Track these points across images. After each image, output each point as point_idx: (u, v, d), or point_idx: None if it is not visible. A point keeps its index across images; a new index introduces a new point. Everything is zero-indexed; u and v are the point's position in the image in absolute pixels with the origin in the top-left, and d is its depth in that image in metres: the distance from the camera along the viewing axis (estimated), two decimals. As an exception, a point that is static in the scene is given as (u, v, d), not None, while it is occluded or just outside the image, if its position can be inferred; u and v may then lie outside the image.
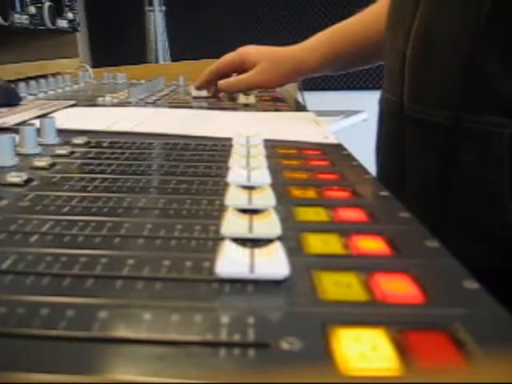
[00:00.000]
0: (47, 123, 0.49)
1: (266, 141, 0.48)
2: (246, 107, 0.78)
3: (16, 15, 0.95)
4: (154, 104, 0.80)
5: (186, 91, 0.99)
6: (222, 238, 0.25)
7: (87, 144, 0.48)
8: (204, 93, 0.87)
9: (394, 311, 0.19)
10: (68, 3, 1.23)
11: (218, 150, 0.47)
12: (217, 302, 0.20)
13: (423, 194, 0.52)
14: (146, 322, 0.18)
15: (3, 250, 0.24)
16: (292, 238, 0.26)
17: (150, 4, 1.91)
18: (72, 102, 0.76)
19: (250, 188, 0.33)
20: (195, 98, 0.87)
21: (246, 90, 0.83)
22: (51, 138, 0.48)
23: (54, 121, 0.49)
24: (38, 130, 0.48)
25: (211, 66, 0.85)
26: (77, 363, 0.16)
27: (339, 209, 0.30)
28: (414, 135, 0.53)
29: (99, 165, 0.41)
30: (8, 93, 0.75)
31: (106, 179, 0.37)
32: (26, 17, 1.00)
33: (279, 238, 0.25)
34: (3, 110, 0.67)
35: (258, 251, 0.23)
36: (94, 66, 1.45)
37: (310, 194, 0.34)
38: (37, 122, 0.49)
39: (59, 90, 0.97)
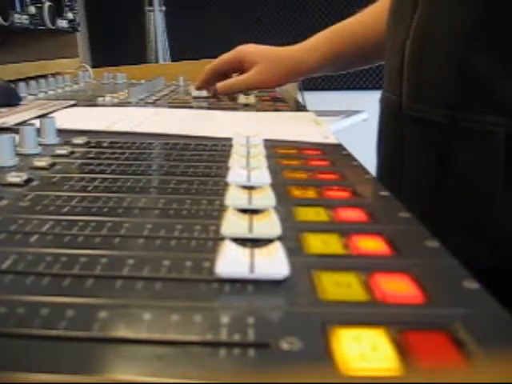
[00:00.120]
0: (47, 123, 0.49)
1: (266, 141, 0.48)
2: (246, 107, 0.78)
3: (16, 15, 0.95)
4: (154, 104, 0.80)
5: (186, 91, 0.99)
6: (222, 238, 0.25)
7: (87, 144, 0.48)
8: (204, 93, 0.87)
9: (393, 311, 0.19)
10: (68, 3, 1.23)
11: (217, 150, 0.47)
12: (217, 302, 0.20)
13: (422, 193, 0.52)
14: (146, 322, 0.18)
15: (3, 249, 0.24)
16: (292, 238, 0.26)
17: (150, 4, 1.91)
18: (72, 102, 0.76)
19: (250, 188, 0.33)
20: (195, 97, 0.87)
21: (245, 91, 0.83)
22: (51, 138, 0.48)
23: (53, 121, 0.49)
24: (38, 130, 0.48)
25: (210, 64, 0.85)
26: (77, 363, 0.16)
27: (339, 209, 0.30)
28: (413, 134, 0.53)
29: (99, 165, 0.41)
30: (8, 93, 0.75)
31: (105, 179, 0.37)
32: (26, 17, 1.00)
33: (279, 238, 0.25)
34: (3, 109, 0.67)
35: (257, 251, 0.23)
36: (94, 66, 1.45)
37: (310, 193, 0.34)
38: (37, 122, 0.49)
39: (59, 90, 0.97)
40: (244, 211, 0.29)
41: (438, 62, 0.49)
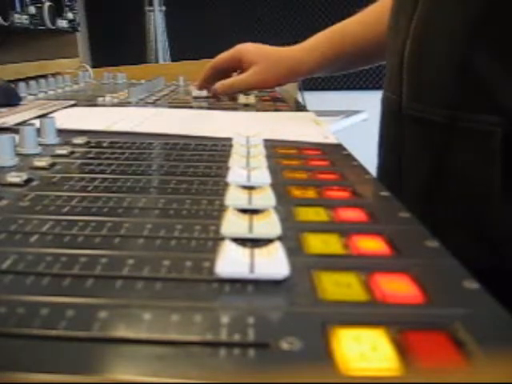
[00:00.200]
0: (47, 123, 0.49)
1: (266, 141, 0.48)
2: (246, 107, 0.78)
3: (16, 15, 0.95)
4: (154, 104, 0.80)
5: (186, 91, 0.99)
6: (222, 238, 0.25)
7: (87, 144, 0.48)
8: (204, 93, 0.87)
9: (394, 311, 0.19)
10: (68, 3, 1.23)
11: (218, 150, 0.47)
12: (217, 302, 0.20)
13: (422, 193, 0.52)
14: (146, 322, 0.18)
15: (3, 249, 0.24)
16: (292, 238, 0.26)
17: (150, 4, 1.91)
18: (72, 102, 0.76)
19: (250, 188, 0.33)
20: (195, 97, 0.87)
21: (245, 91, 0.83)
22: (51, 138, 0.48)
23: (53, 121, 0.49)
24: (38, 130, 0.48)
25: (209, 63, 0.85)
26: (77, 363, 0.16)
27: (339, 209, 0.30)
28: (413, 134, 0.53)
29: (99, 165, 0.41)
30: (8, 93, 0.75)
31: (105, 179, 0.37)
32: (26, 17, 1.00)
33: (279, 238, 0.25)
34: (3, 109, 0.67)
35: (257, 251, 0.23)
36: (94, 66, 1.45)
37: (310, 193, 0.34)
38: (37, 122, 0.49)
39: (59, 90, 0.97)
40: (244, 211, 0.29)
41: (437, 61, 0.49)
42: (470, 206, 0.47)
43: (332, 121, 1.53)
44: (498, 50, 0.44)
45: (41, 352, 0.16)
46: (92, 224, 0.28)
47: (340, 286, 0.21)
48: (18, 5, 0.97)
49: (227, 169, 0.38)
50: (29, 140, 0.44)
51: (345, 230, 0.27)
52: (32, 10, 1.03)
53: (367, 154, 0.64)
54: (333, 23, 0.78)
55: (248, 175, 0.35)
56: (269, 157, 0.42)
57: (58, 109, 0.70)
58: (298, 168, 0.40)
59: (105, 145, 0.48)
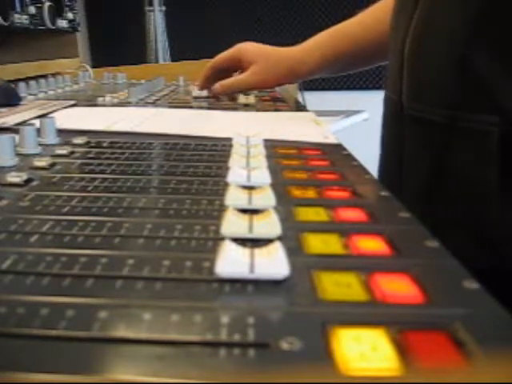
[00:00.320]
0: (47, 123, 0.49)
1: (266, 141, 0.48)
2: (246, 107, 0.78)
3: (16, 15, 0.95)
4: (154, 104, 0.80)
5: (186, 91, 0.99)
6: (222, 238, 0.25)
7: (87, 144, 0.48)
8: (204, 93, 0.87)
9: (394, 311, 0.19)
10: (68, 3, 1.23)
11: (218, 150, 0.47)
12: (217, 302, 0.20)
13: (422, 193, 0.52)
14: (146, 322, 0.18)
15: (3, 249, 0.24)
16: (292, 237, 0.26)
17: (150, 4, 1.91)
18: (72, 102, 0.76)
19: (250, 188, 0.33)
20: (195, 97, 0.87)
21: (244, 91, 0.83)
22: (51, 138, 0.48)
23: (53, 121, 0.49)
24: (38, 130, 0.48)
25: (209, 62, 0.85)
26: (77, 363, 0.16)
27: (339, 209, 0.30)
28: (413, 134, 0.53)
29: (99, 165, 0.41)
30: (8, 93, 0.75)
31: (106, 179, 0.37)
32: (26, 17, 1.00)
33: (279, 238, 0.25)
34: (3, 109, 0.67)
35: (257, 251, 0.23)
36: (94, 66, 1.45)
37: (310, 193, 0.34)
38: (37, 122, 0.50)
39: (59, 90, 0.97)
40: (244, 211, 0.29)
41: (437, 61, 0.49)
42: (469, 206, 0.47)
43: (332, 121, 1.53)
44: (498, 49, 0.44)
45: (41, 352, 0.16)
46: (92, 224, 0.28)
47: (340, 286, 0.21)
48: (18, 5, 0.97)
49: (227, 169, 0.38)
50: (29, 140, 0.44)
51: (345, 230, 0.27)
52: (32, 10, 1.03)
53: (367, 154, 0.64)
54: (333, 23, 0.78)
55: (248, 175, 0.35)
56: (269, 157, 0.42)
57: (58, 109, 0.70)
58: (297, 168, 0.40)
59: (105, 145, 0.48)
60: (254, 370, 0.16)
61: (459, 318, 0.19)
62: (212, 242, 0.25)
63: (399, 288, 0.21)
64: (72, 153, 0.45)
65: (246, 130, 0.53)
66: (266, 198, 0.31)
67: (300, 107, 0.90)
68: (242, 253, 0.23)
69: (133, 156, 0.44)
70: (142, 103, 0.80)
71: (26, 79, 0.94)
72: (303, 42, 0.80)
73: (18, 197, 0.32)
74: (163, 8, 1.93)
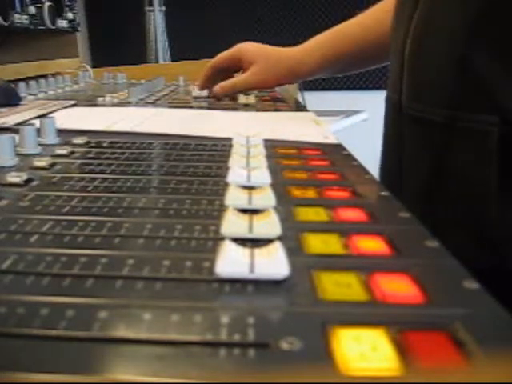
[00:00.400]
0: (47, 123, 0.49)
1: (266, 141, 0.48)
2: (246, 107, 0.78)
3: (16, 15, 0.95)
4: (154, 104, 0.80)
5: (186, 91, 0.99)
6: (222, 238, 0.25)
7: (87, 144, 0.48)
8: (204, 93, 0.87)
9: (394, 311, 0.19)
10: (68, 3, 1.23)
11: (218, 150, 0.47)
12: (217, 302, 0.20)
13: (422, 193, 0.52)
14: (146, 322, 0.18)
15: (3, 249, 0.24)
16: (292, 237, 0.26)
17: (150, 4, 1.91)
18: (72, 102, 0.76)
19: (250, 188, 0.33)
20: (195, 97, 0.87)
21: (245, 91, 0.83)
22: (51, 138, 0.48)
23: (53, 121, 0.49)
24: (38, 130, 0.48)
25: (209, 62, 0.85)
26: (77, 363, 0.16)
27: (339, 209, 0.30)
28: (413, 134, 0.53)
29: (99, 165, 0.41)
30: (8, 93, 0.75)
31: (106, 179, 0.37)
32: (26, 17, 1.00)
33: (279, 238, 0.25)
34: (3, 109, 0.67)
35: (257, 251, 0.23)
36: (94, 66, 1.45)
37: (310, 193, 0.34)
38: (37, 122, 0.50)
39: (59, 90, 0.97)
40: (244, 211, 0.29)
41: (437, 61, 0.49)
42: (469, 206, 0.47)
43: (332, 121, 1.53)
44: (498, 49, 0.44)
45: (41, 352, 0.16)
46: (92, 224, 0.28)
47: (340, 286, 0.21)
48: (18, 5, 0.97)
49: (227, 169, 0.38)
50: (29, 140, 0.44)
51: (345, 230, 0.27)
52: (32, 10, 1.02)
53: (367, 154, 0.64)
54: (333, 23, 0.78)
55: (248, 175, 0.35)
56: (269, 157, 0.42)
57: (58, 109, 0.70)
58: (297, 168, 0.40)
59: (105, 145, 0.48)
60: (253, 370, 0.16)
61: (459, 318, 0.19)
62: (212, 242, 0.25)
63: (399, 288, 0.21)
64: (72, 153, 0.45)
65: (246, 130, 0.53)
66: (266, 198, 0.31)
67: (300, 107, 0.90)
68: (242, 253, 0.23)
69: (133, 156, 0.44)
70: (142, 103, 0.80)
71: (26, 79, 0.94)
72: (303, 42, 0.80)
73: (17, 197, 0.32)
74: (163, 8, 1.93)
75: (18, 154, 0.42)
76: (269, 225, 0.27)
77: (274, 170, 0.38)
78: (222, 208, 0.30)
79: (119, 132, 0.55)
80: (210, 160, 0.43)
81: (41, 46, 1.18)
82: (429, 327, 0.18)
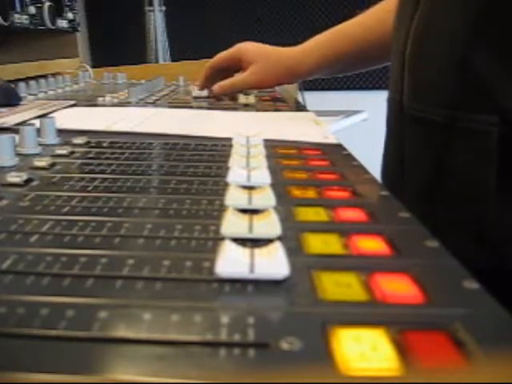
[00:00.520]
0: (47, 123, 0.49)
1: (266, 141, 0.48)
2: (246, 107, 0.78)
3: (16, 15, 0.95)
4: (154, 104, 0.80)
5: (186, 91, 0.99)
6: (222, 238, 0.25)
7: (87, 144, 0.48)
8: (204, 93, 0.87)
9: (394, 311, 0.19)
10: (68, 3, 1.23)
11: (218, 150, 0.47)
12: (217, 302, 0.20)
13: (423, 193, 0.52)
14: (146, 322, 0.18)
15: (3, 249, 0.24)
16: (292, 238, 0.26)
17: (150, 4, 1.91)
18: (72, 102, 0.76)
19: (250, 188, 0.33)
20: (195, 97, 0.87)
21: (244, 91, 0.83)
22: (51, 138, 0.48)
23: (53, 121, 0.49)
24: (38, 130, 0.48)
25: (209, 62, 0.85)
26: (77, 363, 0.16)
27: (339, 209, 0.30)
28: (414, 134, 0.53)
29: (99, 165, 0.41)
30: (8, 93, 0.75)
31: (106, 179, 0.37)
32: (26, 17, 1.00)
33: (279, 238, 0.25)
34: (3, 109, 0.67)
35: (258, 251, 0.23)
36: (94, 66, 1.45)
37: (310, 193, 0.34)
38: (37, 122, 0.49)
39: (59, 90, 0.97)
40: (244, 211, 0.29)
41: (438, 62, 0.49)
42: (469, 206, 0.47)
43: (332, 121, 1.53)
44: (498, 50, 0.44)
45: (41, 352, 0.16)
46: (92, 224, 0.28)
47: (340, 286, 0.21)
48: (18, 5, 0.97)
49: (227, 169, 0.38)
50: (29, 140, 0.44)
51: (345, 230, 0.27)
52: (32, 9, 1.02)
53: (367, 154, 0.64)
54: (333, 23, 0.78)
55: (248, 175, 0.35)
56: (269, 157, 0.42)
57: (58, 109, 0.70)
58: (297, 168, 0.40)
59: (105, 145, 0.48)
60: (253, 370, 0.16)
61: (459, 318, 0.19)
62: (212, 242, 0.25)
63: (399, 288, 0.21)
64: (72, 153, 0.45)
65: (246, 130, 0.53)
66: (266, 198, 0.31)
67: (300, 107, 0.90)
68: (242, 253, 0.23)
69: (133, 156, 0.44)
70: (142, 103, 0.80)
71: (26, 79, 0.94)
72: (303, 42, 0.80)
73: (18, 197, 0.32)
74: (163, 8, 1.93)
75: (18, 154, 0.42)
76: (269, 225, 0.27)
77: (274, 170, 0.38)
78: (222, 208, 0.30)
79: (119, 132, 0.55)
80: (210, 160, 0.43)
81: (41, 46, 1.18)
82: (429, 327, 0.18)
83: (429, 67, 0.50)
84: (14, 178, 0.35)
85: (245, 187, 0.33)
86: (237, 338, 0.17)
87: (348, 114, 1.67)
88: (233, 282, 0.21)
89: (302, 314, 0.19)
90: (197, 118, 0.67)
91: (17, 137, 0.43)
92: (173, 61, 1.93)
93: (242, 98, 0.81)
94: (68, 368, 0.16)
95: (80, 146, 0.48)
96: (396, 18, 0.59)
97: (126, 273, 0.22)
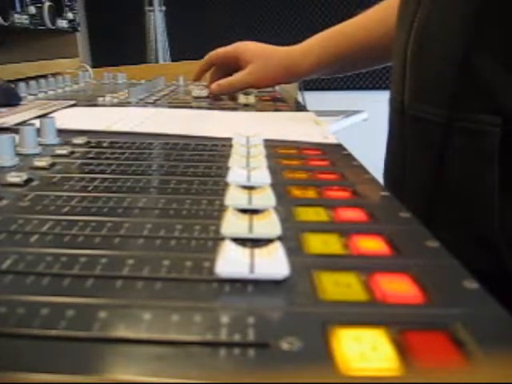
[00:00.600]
0: (47, 123, 0.49)
1: (266, 141, 0.48)
2: (246, 107, 0.78)
3: (16, 15, 0.95)
4: (154, 104, 0.80)
5: (186, 91, 0.99)
6: (222, 238, 0.25)
7: (87, 144, 0.48)
8: (204, 93, 0.87)
9: (393, 311, 0.19)
10: (68, 3, 1.23)
11: (218, 150, 0.47)
12: (217, 302, 0.20)
13: (423, 193, 0.52)
14: (146, 322, 0.18)
15: (3, 249, 0.24)
16: (292, 238, 0.26)
17: (150, 4, 1.91)
18: (72, 102, 0.76)
19: (250, 188, 0.33)
20: (195, 97, 0.87)
21: (243, 89, 0.83)
22: (51, 138, 0.48)
23: (53, 121, 0.49)
24: (38, 130, 0.48)
25: (206, 56, 0.86)
26: (77, 363, 0.16)
27: (339, 209, 0.30)
28: (415, 134, 0.53)
29: (99, 165, 0.41)
30: (8, 93, 0.75)
31: (106, 179, 0.37)
32: (25, 17, 1.00)
33: (279, 238, 0.25)
34: (3, 109, 0.67)
35: (258, 251, 0.23)
36: (94, 66, 1.45)
37: (310, 194, 0.34)
38: (37, 122, 0.49)
39: (59, 90, 0.97)
40: (244, 211, 0.29)
41: (439, 63, 0.49)
42: (469, 206, 0.47)
43: (332, 121, 1.53)
44: (500, 50, 0.44)
45: (41, 352, 0.16)
46: (92, 224, 0.28)
47: (340, 286, 0.21)
48: (18, 5, 0.97)
49: (227, 169, 0.38)
50: (29, 140, 0.44)
51: (345, 230, 0.27)
52: (32, 9, 1.02)
53: (367, 154, 0.64)
54: (333, 23, 0.78)
55: (248, 175, 0.35)
56: (269, 157, 0.42)
57: (58, 109, 0.70)
58: (297, 168, 0.40)
59: (105, 145, 0.48)
60: (253, 370, 0.16)
61: (459, 318, 0.19)
62: (212, 242, 0.25)
63: (399, 288, 0.21)
64: (72, 153, 0.45)
65: (246, 130, 0.53)
66: (266, 198, 0.31)
67: (300, 107, 0.90)
68: (242, 253, 0.23)
69: (133, 156, 0.44)
70: (142, 103, 0.80)
71: (26, 79, 0.94)
72: (303, 41, 0.80)
73: (18, 197, 0.32)
74: (163, 8, 1.93)
75: (18, 154, 0.42)
76: (269, 225, 0.27)
77: (274, 170, 0.38)
78: (222, 208, 0.30)
79: (119, 132, 0.55)
80: (209, 160, 0.43)
81: (41, 46, 1.18)
82: (429, 327, 0.18)
83: (430, 68, 0.50)
84: (14, 177, 0.35)
85: (245, 187, 0.33)
86: (237, 337, 0.17)
87: (348, 113, 1.68)
88: (233, 281, 0.21)
89: (302, 313, 0.19)
90: (197, 117, 0.67)
91: (17, 137, 0.43)
92: (173, 61, 1.93)
93: (241, 98, 0.81)
94: (68, 368, 0.16)
95: (80, 146, 0.48)
96: (397, 19, 0.59)
97: (126, 273, 0.22)
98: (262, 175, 0.36)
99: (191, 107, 0.79)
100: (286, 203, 0.31)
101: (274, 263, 0.22)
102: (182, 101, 0.86)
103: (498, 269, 0.44)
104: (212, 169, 0.40)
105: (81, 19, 1.65)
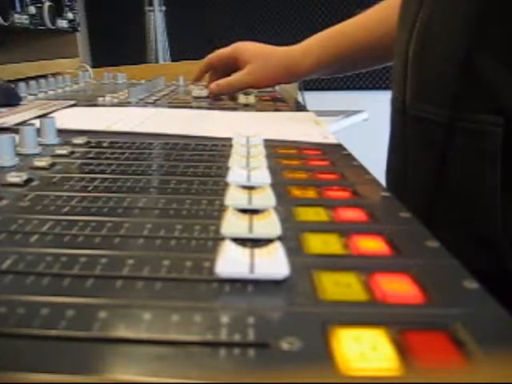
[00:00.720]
0: (47, 123, 0.49)
1: (266, 141, 0.48)
2: (246, 107, 0.78)
3: (16, 15, 0.95)
4: (154, 104, 0.80)
5: (186, 91, 0.99)
6: (222, 238, 0.25)
7: (87, 144, 0.48)
8: (204, 93, 0.87)
9: (394, 311, 0.19)
10: (68, 3, 1.23)
11: (218, 150, 0.47)
12: (217, 302, 0.20)
13: (424, 193, 0.52)
14: (146, 322, 0.18)
15: (3, 249, 0.24)
16: (292, 238, 0.26)
17: (150, 4, 1.91)
18: (72, 102, 0.76)
19: (250, 188, 0.33)
20: (195, 97, 0.87)
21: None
22: (51, 138, 0.48)
23: (53, 121, 0.49)
24: (38, 130, 0.48)
25: (206, 58, 0.86)
26: (77, 363, 0.16)
27: (339, 209, 0.30)
28: (416, 134, 0.53)
29: (99, 165, 0.41)
30: (8, 93, 0.75)
31: (106, 179, 0.37)
32: (25, 17, 1.00)
33: (279, 238, 0.25)
34: (3, 109, 0.67)
35: (258, 251, 0.23)
36: (94, 66, 1.45)
37: (310, 193, 0.34)
38: (37, 122, 0.49)
39: (59, 90, 0.97)
40: (244, 211, 0.29)
41: (440, 62, 0.49)
42: (470, 206, 0.47)
43: (332, 121, 1.53)
44: (502, 50, 0.44)
45: (41, 352, 0.16)
46: (92, 224, 0.28)
47: (340, 286, 0.21)
48: (18, 5, 0.97)
49: (227, 169, 0.38)
50: (29, 140, 0.44)
51: (345, 230, 0.27)
52: (32, 9, 1.02)
53: (367, 154, 0.64)
54: (333, 23, 0.78)
55: (248, 175, 0.35)
56: (269, 157, 0.42)
57: (58, 109, 0.70)
58: (297, 168, 0.40)
59: (105, 145, 0.48)
60: (253, 370, 0.16)
61: (459, 318, 0.19)
62: (212, 242, 0.25)
63: (399, 288, 0.21)
64: (72, 153, 0.45)
65: (246, 130, 0.53)
66: (265, 198, 0.31)
67: (300, 107, 0.90)
68: (242, 253, 0.23)
69: (133, 156, 0.44)
70: (142, 103, 0.80)
71: (26, 79, 0.94)
72: (303, 41, 0.80)
73: (18, 197, 0.32)
74: (163, 8, 1.93)
75: (18, 154, 0.42)
76: (269, 225, 0.27)
77: (274, 170, 0.38)
78: (222, 208, 0.30)
79: (119, 132, 0.55)
80: (209, 160, 0.43)
81: (41, 46, 1.18)
82: (429, 327, 0.18)
83: (431, 68, 0.50)
84: (14, 177, 0.35)
85: (245, 187, 0.33)
86: (237, 337, 0.17)
87: (348, 113, 1.67)
88: (233, 281, 0.21)
89: (302, 313, 0.19)
90: (197, 117, 0.67)
91: (17, 137, 0.43)
92: (173, 61, 1.93)
93: (241, 98, 0.81)
94: (68, 368, 0.16)
95: (80, 146, 0.48)
96: (399, 19, 0.59)
97: (126, 273, 0.22)
98: (262, 175, 0.36)
99: (191, 107, 0.79)
100: (285, 203, 0.31)
101: (274, 263, 0.22)
102: (181, 101, 0.86)
103: (498, 269, 0.44)
104: (212, 169, 0.40)
105: (81, 19, 1.65)
